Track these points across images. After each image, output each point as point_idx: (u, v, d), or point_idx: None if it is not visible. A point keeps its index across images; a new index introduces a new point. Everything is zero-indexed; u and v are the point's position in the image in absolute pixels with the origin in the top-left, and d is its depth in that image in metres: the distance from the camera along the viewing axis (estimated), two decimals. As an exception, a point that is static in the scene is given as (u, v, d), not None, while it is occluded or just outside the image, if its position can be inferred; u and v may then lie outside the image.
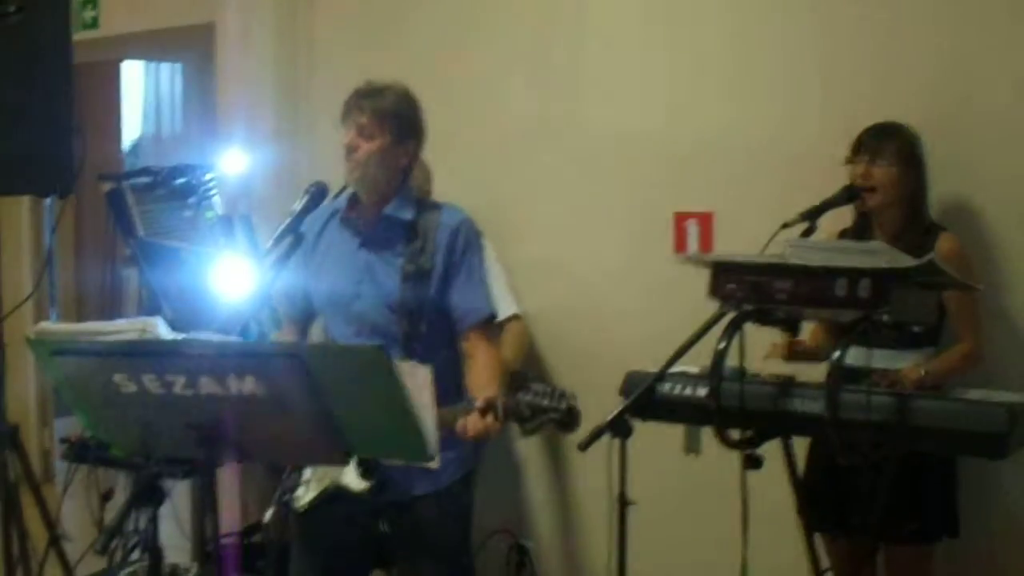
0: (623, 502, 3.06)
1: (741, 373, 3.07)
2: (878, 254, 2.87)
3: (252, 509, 4.84)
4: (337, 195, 3.37)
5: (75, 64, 3.83)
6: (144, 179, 4.65)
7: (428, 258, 3.21)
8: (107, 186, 4.59)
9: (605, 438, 3.01)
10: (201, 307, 4.05)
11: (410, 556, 3.35)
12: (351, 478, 3.12)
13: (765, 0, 4.03)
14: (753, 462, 3.11)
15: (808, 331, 3.45)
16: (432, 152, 3.61)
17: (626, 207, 4.35)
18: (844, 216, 3.53)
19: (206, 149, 5.87)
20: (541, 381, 3.04)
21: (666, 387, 3.16)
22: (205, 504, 2.50)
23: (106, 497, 4.66)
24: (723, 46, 4.12)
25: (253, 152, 5.05)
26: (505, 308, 4.09)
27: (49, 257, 4.63)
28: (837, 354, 2.88)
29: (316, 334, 3.55)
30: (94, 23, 6.24)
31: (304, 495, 3.21)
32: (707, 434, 3.13)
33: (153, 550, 3.73)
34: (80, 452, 4.49)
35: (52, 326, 2.64)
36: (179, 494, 4.50)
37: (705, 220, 4.15)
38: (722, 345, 2.98)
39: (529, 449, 4.64)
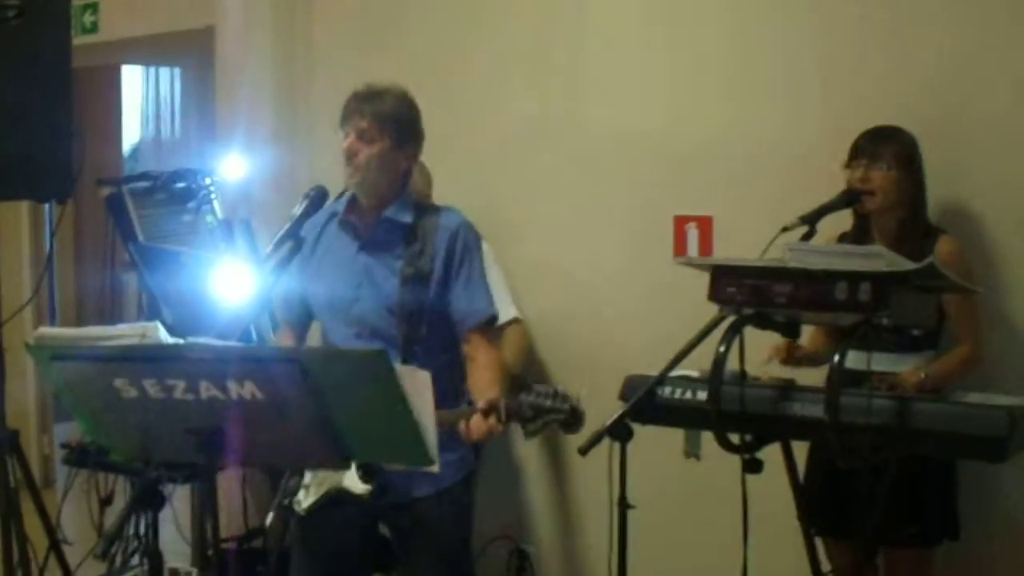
0: (623, 506, 3.06)
1: (741, 377, 3.07)
2: (878, 257, 2.87)
3: (252, 514, 4.84)
4: (337, 199, 3.37)
5: (74, 68, 3.83)
6: (143, 183, 4.65)
7: (427, 261, 3.21)
8: (106, 191, 4.60)
9: (605, 442, 3.01)
10: (201, 312, 4.05)
11: (411, 557, 3.35)
12: (352, 481, 3.12)
13: (765, 2, 4.03)
14: (753, 466, 3.11)
15: (807, 335, 3.44)
16: (432, 154, 3.60)
17: (626, 210, 4.35)
18: (843, 220, 3.53)
19: (205, 153, 5.88)
20: (543, 383, 3.04)
21: (666, 391, 3.16)
22: (205, 508, 2.49)
23: (106, 502, 4.66)
24: (723, 48, 4.12)
25: (252, 156, 5.06)
26: (505, 312, 4.09)
27: (49, 262, 4.62)
28: (837, 358, 2.88)
29: (313, 338, 3.55)
30: (94, 27, 6.24)
31: (305, 499, 3.21)
32: (707, 438, 3.13)
33: (153, 555, 3.73)
34: (80, 457, 4.50)
35: (52, 331, 2.64)
36: (179, 499, 4.51)
37: (705, 224, 4.15)
38: (722, 349, 2.98)
39: (529, 453, 4.64)
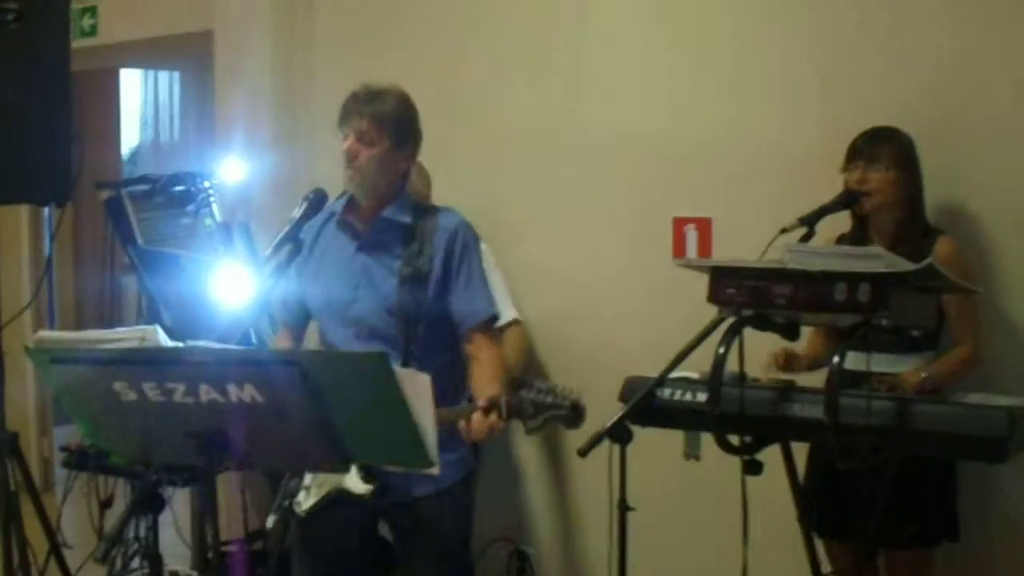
0: (623, 508, 3.06)
1: (741, 378, 3.07)
2: (877, 258, 2.87)
3: (252, 516, 4.84)
4: (337, 200, 3.37)
5: (73, 72, 3.83)
6: (143, 187, 4.66)
7: (426, 261, 3.21)
8: (106, 194, 4.60)
9: (605, 444, 3.01)
10: (200, 315, 4.05)
11: (411, 558, 3.35)
12: (353, 481, 3.12)
13: (764, 3, 4.03)
14: (753, 467, 3.11)
15: (806, 338, 3.44)
16: (431, 155, 3.61)
17: (625, 211, 4.35)
18: (842, 222, 3.53)
19: (204, 157, 5.88)
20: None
21: (666, 392, 3.16)
22: (205, 511, 2.50)
23: (106, 505, 4.67)
24: (722, 49, 4.12)
25: (251, 159, 5.06)
26: (505, 313, 4.08)
27: (48, 265, 4.61)
28: (836, 359, 2.88)
29: (311, 339, 3.55)
30: (92, 31, 6.25)
31: (305, 500, 3.21)
32: (707, 439, 3.13)
33: (153, 558, 3.72)
34: (80, 460, 4.50)
35: (51, 334, 2.64)
36: (179, 502, 4.51)
37: (704, 225, 4.15)
38: (721, 350, 2.98)
39: (529, 455, 4.64)
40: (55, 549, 4.02)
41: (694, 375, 3.17)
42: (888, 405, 2.90)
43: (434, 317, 3.22)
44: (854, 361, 2.95)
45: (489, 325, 3.31)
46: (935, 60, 3.68)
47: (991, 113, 3.61)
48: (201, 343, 2.40)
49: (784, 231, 3.28)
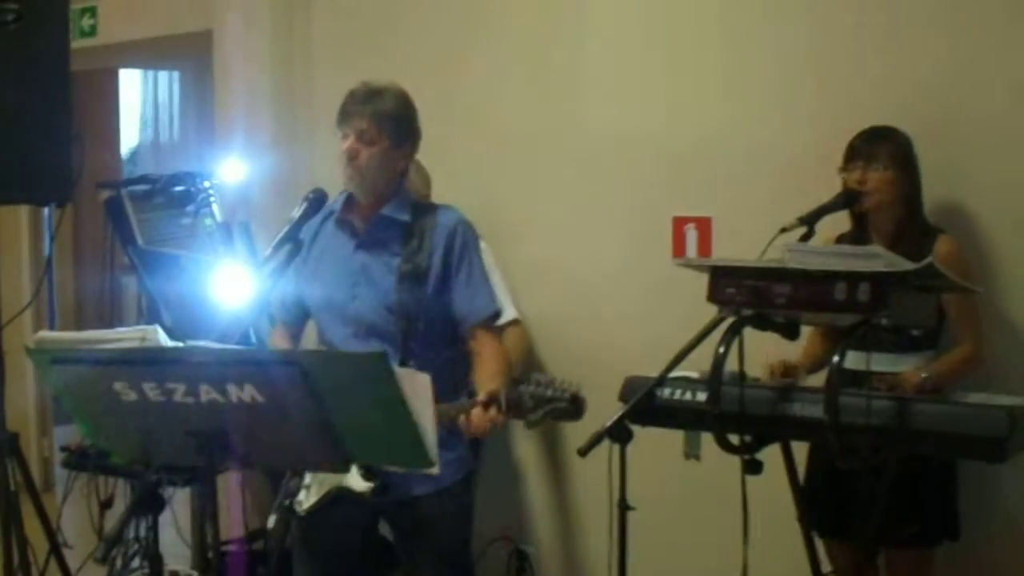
0: (623, 507, 3.06)
1: (741, 378, 3.07)
2: (876, 258, 2.87)
3: (252, 516, 4.84)
4: (336, 199, 3.37)
5: (73, 72, 3.83)
6: (143, 187, 4.66)
7: (425, 257, 3.22)
8: (106, 194, 4.60)
9: (605, 443, 3.01)
10: (200, 315, 4.05)
11: (411, 557, 3.35)
12: (354, 479, 3.12)
13: (763, 5, 4.03)
14: (753, 467, 3.11)
15: (806, 340, 3.45)
16: (431, 154, 3.61)
17: (625, 211, 4.35)
18: (841, 221, 3.53)
19: (204, 157, 5.88)
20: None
21: (666, 392, 3.16)
22: (205, 511, 2.50)
23: (106, 505, 4.67)
24: (722, 50, 4.12)
25: (251, 159, 5.06)
26: (504, 313, 4.09)
27: (48, 265, 4.62)
28: (836, 358, 2.88)
29: (309, 337, 3.55)
30: (92, 31, 6.25)
31: (306, 499, 3.21)
32: (707, 439, 3.13)
33: (153, 558, 3.72)
34: (80, 460, 4.50)
35: (51, 335, 2.64)
36: (179, 502, 4.51)
37: (703, 224, 4.15)
38: (721, 350, 2.98)
39: (529, 454, 4.64)
40: (55, 549, 4.02)
41: (694, 374, 3.17)
42: (888, 404, 2.90)
43: (433, 314, 3.22)
44: (854, 360, 2.95)
45: (491, 322, 3.31)
46: (933, 61, 3.68)
47: (989, 113, 3.61)
48: (201, 343, 2.40)
49: (784, 230, 3.28)
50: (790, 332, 3.09)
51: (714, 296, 3.06)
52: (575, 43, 4.46)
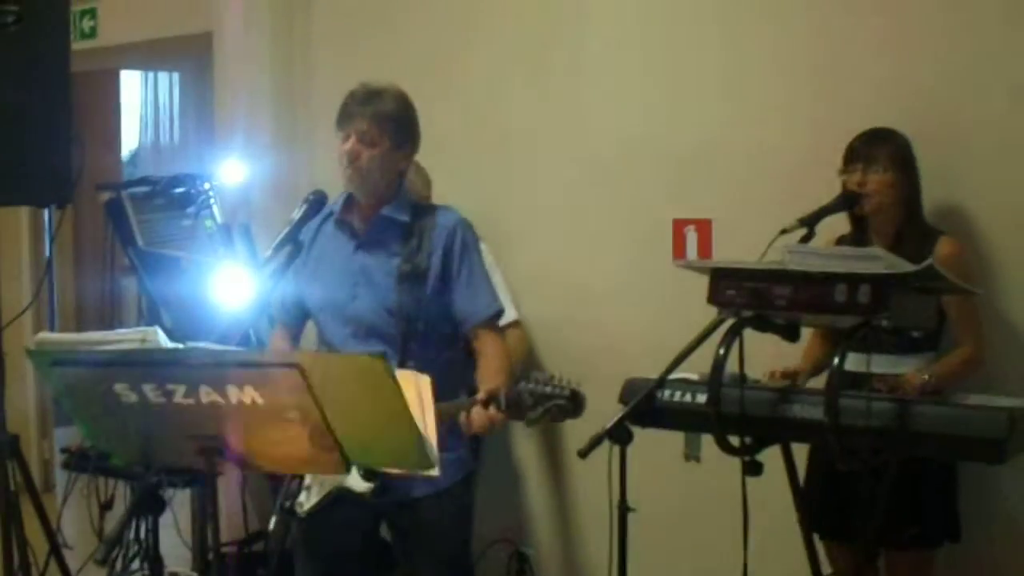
0: (623, 509, 3.06)
1: (741, 379, 3.07)
2: (876, 260, 2.87)
3: (252, 517, 4.84)
4: (336, 200, 3.37)
5: (73, 74, 3.83)
6: (143, 189, 4.66)
7: (424, 258, 3.22)
8: (106, 196, 4.60)
9: (605, 445, 3.01)
10: (200, 316, 4.05)
11: (411, 558, 3.35)
12: (354, 480, 3.12)
13: (763, 7, 4.03)
14: (753, 468, 3.11)
15: (806, 344, 3.45)
16: (431, 156, 3.61)
17: (625, 212, 4.34)
18: (841, 223, 3.53)
19: (204, 158, 5.88)
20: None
21: (666, 394, 3.16)
22: (205, 513, 2.50)
23: (106, 506, 4.66)
24: (722, 52, 4.12)
25: (251, 161, 5.06)
26: (505, 313, 4.09)
27: (48, 267, 4.62)
28: (837, 360, 2.88)
29: (308, 338, 3.55)
30: (92, 33, 6.25)
31: (307, 501, 3.21)
32: (707, 441, 3.13)
33: (153, 559, 3.72)
34: (80, 462, 4.50)
35: (52, 336, 2.64)
36: (179, 503, 4.51)
37: (704, 226, 4.15)
38: (721, 351, 2.98)
39: (529, 456, 4.64)
40: (55, 550, 4.02)
41: (694, 376, 3.17)
42: (888, 406, 2.90)
43: (433, 315, 3.22)
44: (854, 362, 2.95)
45: (494, 321, 3.31)
46: (932, 64, 3.68)
47: (988, 115, 3.61)
48: (201, 344, 2.40)
49: (784, 232, 3.28)
50: (790, 334, 3.09)
51: (714, 298, 3.06)
52: (575, 44, 4.46)
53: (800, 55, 3.94)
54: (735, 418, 3.05)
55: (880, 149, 3.43)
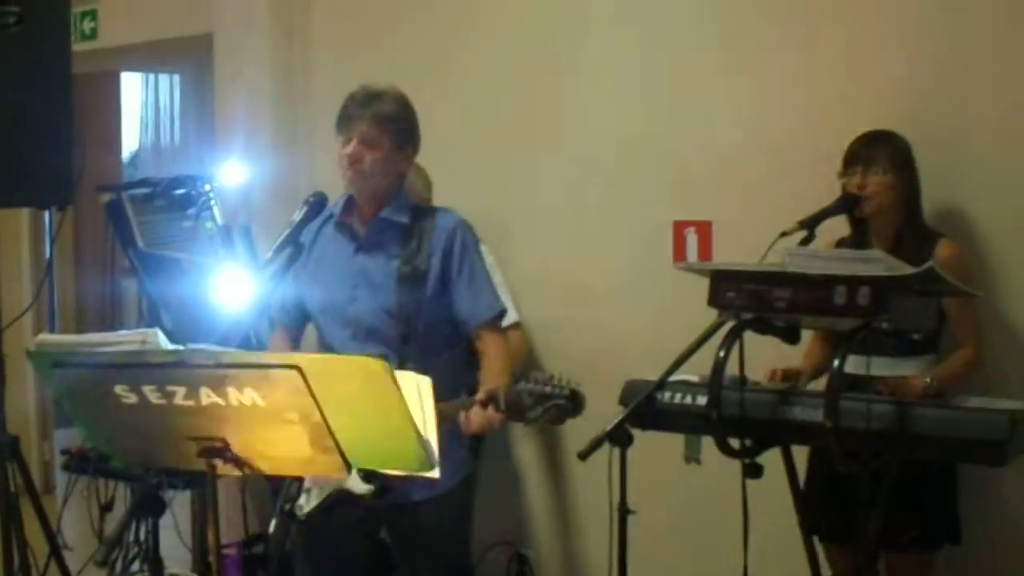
0: (623, 511, 3.06)
1: (741, 381, 3.07)
2: (876, 262, 2.87)
3: (252, 519, 4.84)
4: (336, 202, 3.37)
5: (74, 75, 3.83)
6: (143, 190, 4.66)
7: (424, 259, 3.22)
8: (106, 197, 4.60)
9: (605, 447, 3.01)
10: (201, 318, 4.05)
11: (411, 560, 3.35)
12: (354, 482, 3.12)
13: (761, 9, 4.03)
14: (753, 471, 3.11)
15: (806, 347, 3.45)
16: (431, 156, 3.61)
17: (625, 214, 4.34)
18: (840, 226, 3.53)
19: (205, 160, 5.89)
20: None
21: (666, 396, 3.16)
22: (205, 515, 2.50)
23: (106, 508, 4.66)
24: (723, 53, 4.11)
25: (252, 162, 5.07)
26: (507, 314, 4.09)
27: (49, 268, 4.63)
28: (837, 362, 2.88)
29: (308, 340, 3.55)
30: (93, 34, 6.26)
31: (307, 504, 3.21)
32: (707, 443, 3.13)
33: (153, 561, 3.72)
34: (80, 463, 4.50)
35: (52, 338, 2.64)
36: (179, 505, 4.51)
37: (704, 228, 4.15)
38: (722, 354, 2.98)
39: (529, 458, 4.64)
40: (55, 552, 4.02)
41: (694, 378, 3.17)
42: (888, 408, 2.90)
43: (433, 316, 3.22)
44: (854, 365, 2.95)
45: (496, 322, 3.31)
46: (932, 65, 3.68)
47: (988, 117, 3.61)
48: (201, 346, 2.40)
49: (784, 235, 3.28)
50: (790, 336, 3.09)
51: (714, 300, 3.06)
52: (575, 44, 4.46)
53: (801, 57, 3.94)
54: (735, 420, 3.05)
55: (879, 151, 3.43)
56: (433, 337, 3.23)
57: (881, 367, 3.12)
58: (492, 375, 3.16)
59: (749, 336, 3.03)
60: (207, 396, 2.30)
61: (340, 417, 2.30)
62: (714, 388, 3.02)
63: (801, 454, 3.44)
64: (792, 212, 3.36)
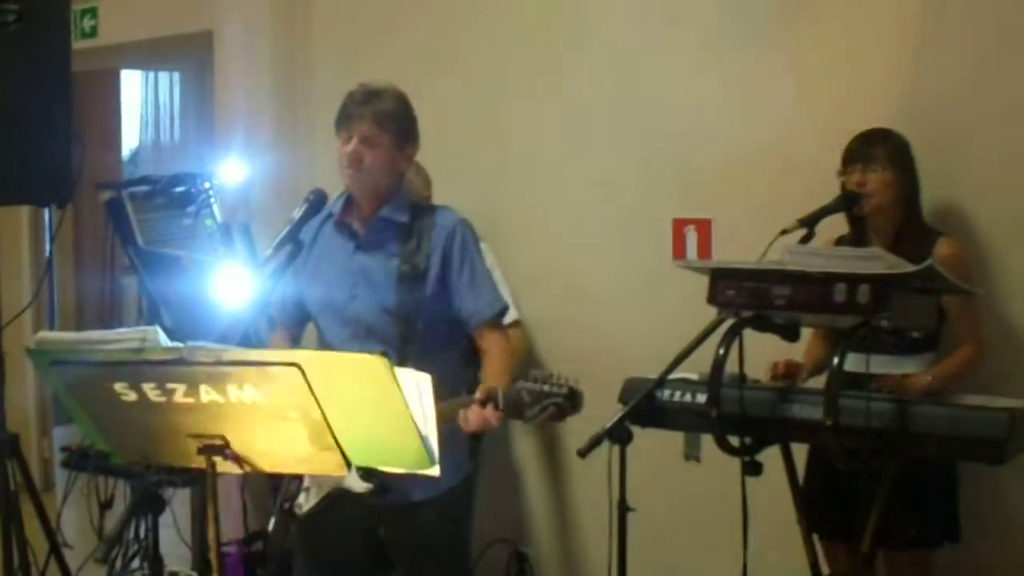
0: (623, 508, 3.06)
1: (741, 379, 3.07)
2: (876, 260, 2.88)
3: (252, 517, 4.84)
4: (335, 200, 3.37)
5: (74, 73, 3.84)
6: (143, 188, 4.66)
7: (424, 258, 3.22)
8: (106, 195, 4.60)
9: (605, 445, 3.01)
10: (201, 315, 4.05)
11: (410, 560, 3.35)
12: (353, 480, 3.11)
13: (765, 7, 4.03)
14: (753, 468, 3.11)
15: (806, 345, 3.45)
16: (431, 155, 3.61)
17: (625, 212, 4.35)
18: (840, 224, 3.53)
19: (205, 157, 5.88)
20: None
21: (665, 393, 3.17)
22: (205, 512, 2.50)
23: (106, 506, 4.67)
24: (723, 51, 4.12)
25: (252, 160, 5.07)
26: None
27: (48, 266, 4.63)
28: (836, 360, 2.88)
29: (308, 339, 3.55)
30: (93, 32, 6.25)
31: (306, 502, 3.21)
32: (707, 440, 3.14)
33: (153, 558, 3.72)
34: (80, 461, 4.50)
35: (51, 335, 2.64)
36: (179, 502, 4.51)
37: (704, 226, 4.15)
38: (721, 351, 2.98)
39: (528, 456, 4.64)
40: (55, 549, 4.02)
41: (694, 376, 3.18)
42: (888, 406, 2.90)
43: (432, 315, 3.22)
44: (854, 363, 2.95)
45: (498, 319, 3.31)
46: (932, 65, 3.68)
47: (988, 117, 3.61)
48: (201, 344, 2.40)
49: (784, 233, 3.28)
50: (790, 334, 3.10)
51: (714, 298, 3.07)
52: (575, 43, 4.46)
53: (801, 56, 3.94)
54: (735, 418, 3.06)
55: (878, 149, 3.43)
56: (433, 336, 3.23)
57: (881, 365, 3.13)
58: (493, 375, 3.15)
59: (749, 334, 3.03)
60: (207, 394, 2.30)
61: (340, 414, 2.30)
62: (714, 386, 3.02)
63: (801, 452, 3.44)
64: (792, 210, 3.36)
